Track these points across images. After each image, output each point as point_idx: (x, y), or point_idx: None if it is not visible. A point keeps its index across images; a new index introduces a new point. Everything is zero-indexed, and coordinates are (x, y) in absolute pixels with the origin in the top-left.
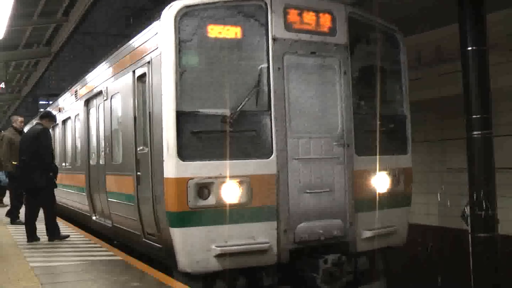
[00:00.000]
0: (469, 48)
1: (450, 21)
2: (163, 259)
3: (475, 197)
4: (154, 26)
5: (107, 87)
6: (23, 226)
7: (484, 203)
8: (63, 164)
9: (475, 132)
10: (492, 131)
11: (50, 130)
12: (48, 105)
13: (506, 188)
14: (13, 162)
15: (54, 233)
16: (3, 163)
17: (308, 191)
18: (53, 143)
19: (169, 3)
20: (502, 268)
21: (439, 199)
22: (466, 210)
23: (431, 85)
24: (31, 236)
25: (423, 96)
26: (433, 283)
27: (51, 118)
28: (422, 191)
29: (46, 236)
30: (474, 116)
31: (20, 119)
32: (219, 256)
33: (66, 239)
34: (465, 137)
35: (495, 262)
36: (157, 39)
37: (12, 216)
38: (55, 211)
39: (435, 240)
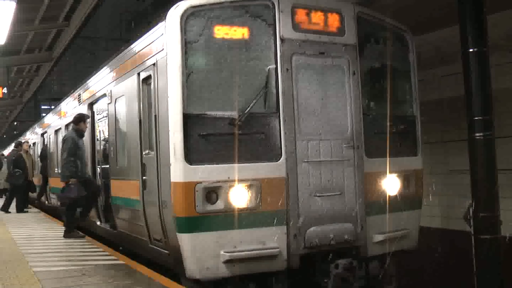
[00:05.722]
0: (470, 50)
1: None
2: (171, 265)
3: (477, 199)
4: (160, 27)
5: (111, 90)
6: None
7: (486, 204)
8: None
9: (476, 134)
10: (493, 132)
11: (53, 135)
12: (50, 110)
13: (508, 190)
14: None
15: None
16: None
17: (318, 194)
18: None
19: (170, 6)
20: (505, 269)
21: (441, 201)
22: (469, 212)
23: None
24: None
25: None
26: (435, 285)
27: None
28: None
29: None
30: (475, 118)
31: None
32: (228, 262)
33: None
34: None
35: (499, 263)
36: (163, 40)
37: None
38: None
39: (438, 242)
